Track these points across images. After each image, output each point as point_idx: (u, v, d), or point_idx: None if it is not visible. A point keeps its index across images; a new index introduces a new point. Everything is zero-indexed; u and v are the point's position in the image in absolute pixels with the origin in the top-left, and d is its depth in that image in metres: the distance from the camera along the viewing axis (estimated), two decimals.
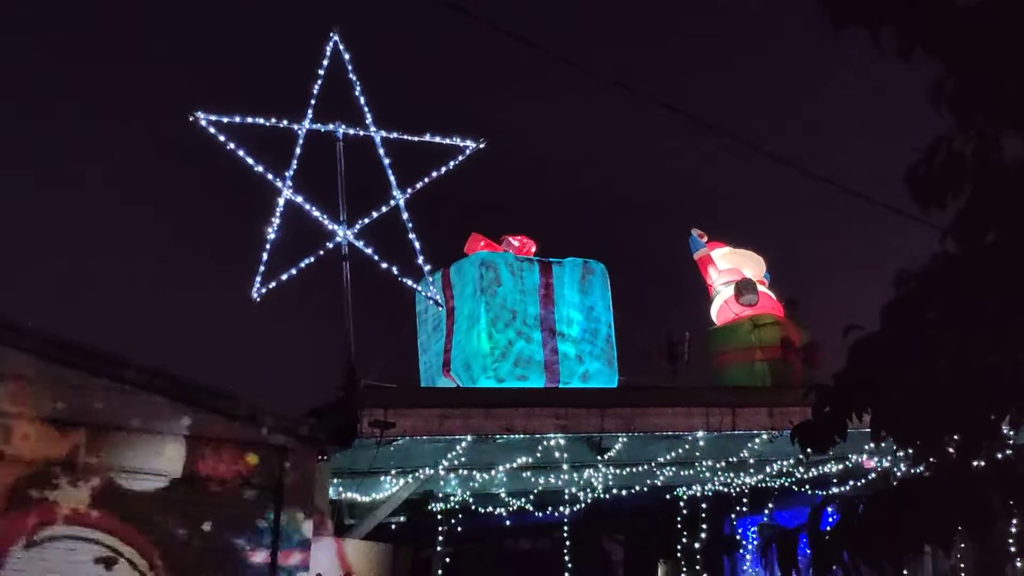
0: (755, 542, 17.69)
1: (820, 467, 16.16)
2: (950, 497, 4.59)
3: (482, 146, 14.19)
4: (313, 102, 13.47)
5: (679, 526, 17.94)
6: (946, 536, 4.62)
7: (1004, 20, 4.67)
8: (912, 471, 5.38)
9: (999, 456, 5.20)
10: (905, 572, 5.01)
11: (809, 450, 5.37)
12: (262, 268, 12.84)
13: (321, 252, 13.38)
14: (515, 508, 16.60)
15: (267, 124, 13.15)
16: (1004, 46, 4.71)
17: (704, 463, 15.37)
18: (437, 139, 14.06)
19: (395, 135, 13.78)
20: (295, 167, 13.25)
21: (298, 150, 13.29)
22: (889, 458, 14.76)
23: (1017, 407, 4.88)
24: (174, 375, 10.58)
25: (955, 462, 4.82)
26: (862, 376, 5.17)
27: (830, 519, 5.20)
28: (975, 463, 4.93)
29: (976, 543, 4.47)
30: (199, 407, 10.57)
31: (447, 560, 16.81)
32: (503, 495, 16.13)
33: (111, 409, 10.16)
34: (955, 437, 4.87)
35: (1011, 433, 5.34)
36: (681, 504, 17.80)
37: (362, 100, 13.69)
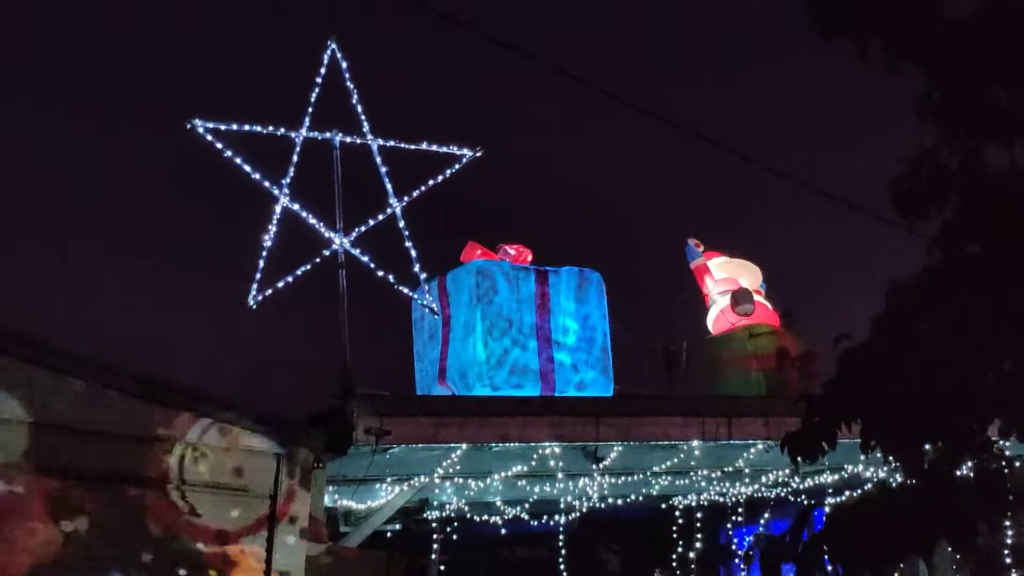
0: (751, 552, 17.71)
1: (816, 477, 16.19)
2: (930, 508, 4.61)
3: (479, 154, 14.20)
4: (310, 110, 13.50)
5: (675, 536, 17.96)
6: (925, 547, 4.64)
7: (989, 32, 4.71)
8: (901, 481, 5.39)
9: (989, 468, 5.21)
10: None
11: (799, 460, 5.40)
12: (259, 275, 12.85)
13: (318, 260, 13.38)
14: (511, 517, 16.61)
15: (264, 132, 13.17)
16: (989, 57, 4.74)
17: (700, 472, 15.39)
18: (434, 147, 14.08)
19: (392, 143, 13.80)
20: (292, 175, 13.27)
21: (295, 158, 13.30)
22: (886, 468, 14.79)
23: (1001, 417, 4.91)
24: (166, 380, 10.59)
25: (937, 472, 4.84)
26: (850, 385, 5.21)
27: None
28: (960, 474, 4.95)
29: (961, 554, 4.47)
30: (191, 413, 10.58)
31: (442, 568, 16.79)
32: (499, 503, 16.14)
33: None
34: (937, 446, 4.90)
35: (1007, 444, 5.36)
36: (677, 514, 17.83)
37: (359, 108, 13.71)
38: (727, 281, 17.25)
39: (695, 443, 13.78)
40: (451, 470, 13.46)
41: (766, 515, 17.66)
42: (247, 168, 13.03)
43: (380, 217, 13.71)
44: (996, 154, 4.88)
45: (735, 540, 18.36)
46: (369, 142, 13.70)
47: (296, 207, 13.25)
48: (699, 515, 17.62)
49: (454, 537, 16.68)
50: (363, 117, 13.74)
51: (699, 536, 17.67)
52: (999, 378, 4.86)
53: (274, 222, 13.04)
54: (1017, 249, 4.72)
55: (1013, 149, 4.86)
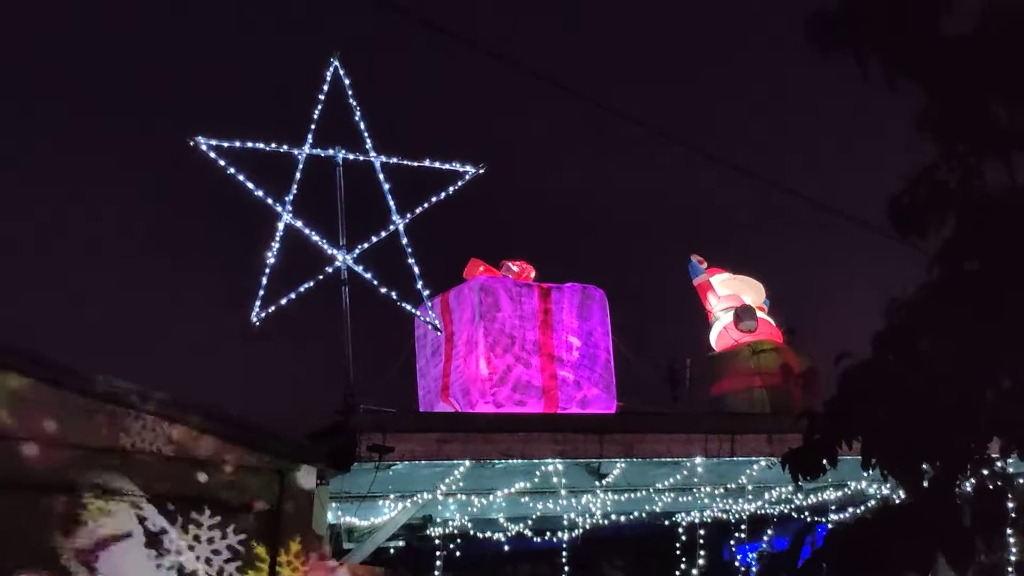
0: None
1: (819, 494, 16.14)
2: (928, 525, 4.60)
3: (482, 171, 14.22)
4: (313, 127, 13.53)
5: (678, 552, 17.90)
6: (924, 564, 4.62)
7: (987, 48, 4.72)
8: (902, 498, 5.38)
9: (988, 486, 5.19)
10: None
11: (800, 477, 5.38)
12: (261, 292, 12.87)
13: (321, 277, 13.40)
14: (514, 534, 16.57)
15: (267, 149, 13.20)
16: (987, 73, 4.75)
17: (703, 489, 15.36)
18: (437, 164, 14.10)
19: (395, 160, 13.82)
20: (295, 192, 13.31)
21: (298, 175, 13.34)
22: (889, 485, 14.75)
23: (1000, 435, 4.89)
24: (168, 394, 10.60)
25: (936, 490, 4.83)
26: (851, 403, 5.20)
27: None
28: (959, 492, 4.93)
29: (958, 572, 4.45)
30: (195, 427, 10.58)
31: None
32: (502, 520, 16.10)
33: None
34: (936, 464, 4.88)
35: (1009, 463, 5.34)
36: (680, 530, 17.77)
37: (362, 125, 13.74)
38: (730, 298, 17.23)
39: (698, 460, 13.76)
40: (454, 487, 13.45)
41: (769, 532, 17.61)
42: (250, 185, 13.06)
43: (383, 234, 13.74)
44: (995, 172, 4.88)
45: (739, 557, 18.31)
46: (372, 159, 13.73)
47: (299, 224, 13.28)
48: (702, 532, 17.57)
49: (457, 554, 16.63)
50: (366, 134, 13.77)
51: (702, 553, 17.61)
52: (998, 395, 4.85)
53: (277, 239, 13.07)
54: (1015, 265, 4.72)
55: (1011, 165, 4.86)
